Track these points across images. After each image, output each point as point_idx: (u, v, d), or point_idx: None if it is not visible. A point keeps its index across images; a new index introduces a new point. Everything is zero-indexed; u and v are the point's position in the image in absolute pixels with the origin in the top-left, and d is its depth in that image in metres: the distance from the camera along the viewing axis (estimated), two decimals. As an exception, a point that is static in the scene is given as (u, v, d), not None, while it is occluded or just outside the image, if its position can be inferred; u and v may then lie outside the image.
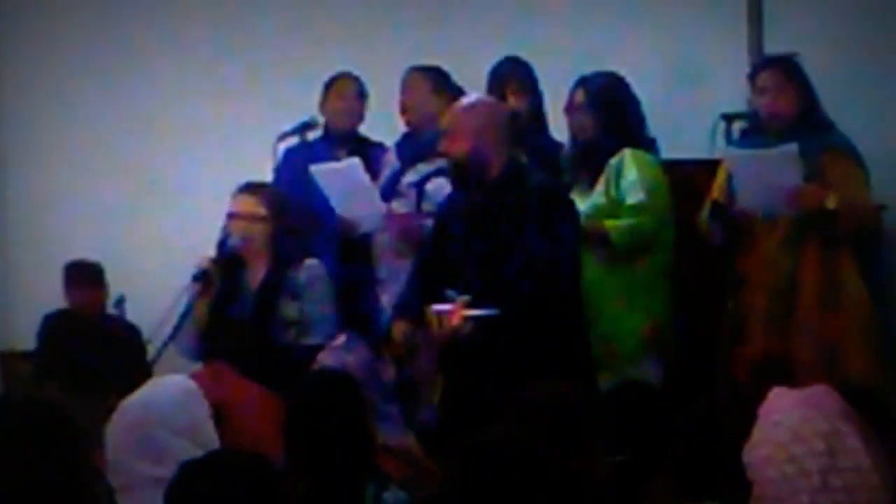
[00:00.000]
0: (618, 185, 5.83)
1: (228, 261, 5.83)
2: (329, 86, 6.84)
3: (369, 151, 6.59)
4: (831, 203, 5.47)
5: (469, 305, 5.13)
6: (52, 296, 7.47)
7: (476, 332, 5.11)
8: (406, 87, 6.49)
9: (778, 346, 5.59)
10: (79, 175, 8.12)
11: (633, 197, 5.78)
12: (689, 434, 3.62)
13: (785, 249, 5.64)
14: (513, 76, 6.35)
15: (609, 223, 5.77)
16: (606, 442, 3.90)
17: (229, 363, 5.48)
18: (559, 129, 6.28)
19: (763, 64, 6.04)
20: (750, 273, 5.70)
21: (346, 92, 6.82)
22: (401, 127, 6.59)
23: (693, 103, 6.60)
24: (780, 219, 5.64)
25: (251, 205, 5.84)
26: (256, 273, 5.84)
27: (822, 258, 5.61)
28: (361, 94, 6.86)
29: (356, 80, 6.87)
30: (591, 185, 5.90)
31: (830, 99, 5.86)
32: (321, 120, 6.82)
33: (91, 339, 7.33)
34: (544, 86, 6.44)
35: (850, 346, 5.59)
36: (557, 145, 6.29)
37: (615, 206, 5.82)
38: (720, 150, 5.87)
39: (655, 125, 6.08)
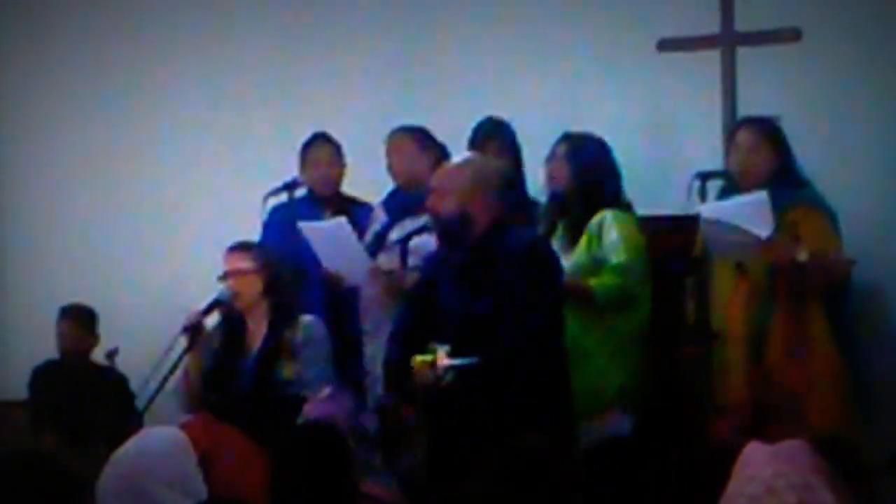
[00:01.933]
0: (600, 245, 5.94)
1: (229, 319, 5.94)
2: (305, 152, 6.91)
3: (354, 211, 6.69)
4: (802, 257, 5.55)
5: (450, 355, 5.22)
6: (46, 346, 7.53)
7: (458, 382, 5.20)
8: (392, 148, 6.62)
9: (749, 398, 5.67)
10: (72, 230, 8.20)
11: (616, 257, 5.90)
12: (664, 488, 3.71)
13: (755, 301, 5.72)
14: (494, 136, 6.47)
15: (593, 282, 5.89)
16: (585, 498, 3.95)
17: (221, 415, 5.60)
18: (541, 185, 6.38)
19: (740, 123, 6.16)
20: (720, 324, 5.77)
21: (321, 158, 6.89)
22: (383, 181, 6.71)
23: (670, 162, 6.72)
24: (751, 270, 5.73)
25: (240, 260, 5.99)
26: (255, 330, 5.96)
27: (792, 310, 5.68)
28: (338, 157, 6.92)
29: (331, 142, 6.93)
30: (571, 242, 6.02)
31: (803, 155, 5.97)
32: (304, 180, 6.90)
33: (81, 390, 7.36)
34: (526, 142, 6.56)
35: (820, 398, 5.65)
36: (535, 204, 6.42)
37: (598, 266, 5.93)
38: (695, 207, 5.98)
39: (633, 182, 6.20)
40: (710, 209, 5.73)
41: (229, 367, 5.88)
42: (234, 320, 5.96)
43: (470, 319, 5.34)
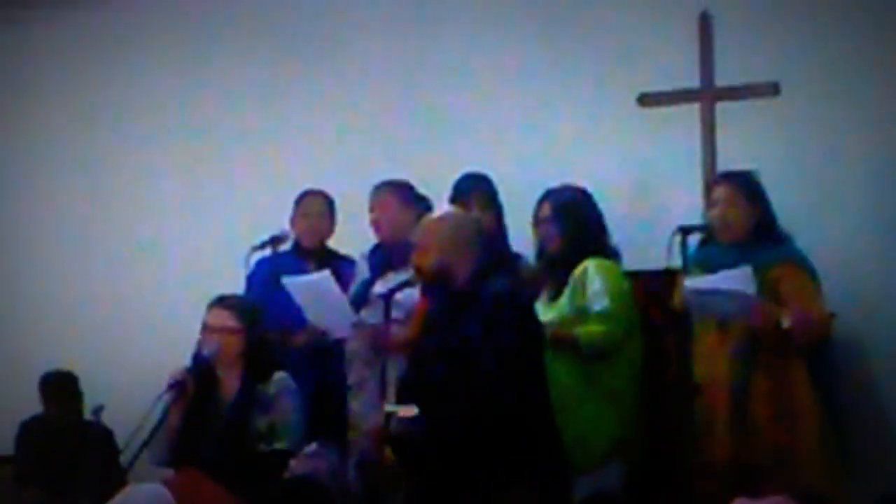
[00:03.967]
0: (583, 294, 5.97)
1: (202, 372, 5.95)
2: (297, 203, 6.97)
3: (337, 265, 6.72)
4: (786, 323, 5.59)
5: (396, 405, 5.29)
6: (31, 402, 7.57)
7: (404, 431, 5.23)
8: (375, 203, 6.66)
9: (733, 454, 5.67)
10: (57, 286, 8.24)
11: (599, 305, 5.92)
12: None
13: (738, 358, 5.75)
14: (475, 191, 6.50)
15: (577, 330, 5.91)
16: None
17: (202, 470, 5.61)
18: (525, 239, 6.44)
19: (718, 177, 6.20)
20: (705, 380, 5.78)
21: (312, 210, 6.95)
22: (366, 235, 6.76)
23: (650, 216, 6.77)
24: (733, 329, 5.76)
25: (225, 318, 5.97)
26: (229, 384, 5.96)
27: (774, 367, 5.71)
28: (328, 211, 6.98)
29: (324, 196, 6.99)
30: (557, 294, 6.06)
31: (782, 208, 6.01)
32: (291, 233, 6.95)
33: (67, 445, 7.34)
34: (508, 197, 6.60)
35: (803, 454, 5.67)
36: (517, 256, 6.46)
37: (582, 315, 5.96)
38: (676, 261, 6.03)
39: (613, 236, 6.22)
40: (696, 282, 5.75)
41: (202, 420, 5.89)
42: (207, 373, 5.97)
43: (441, 379, 5.36)
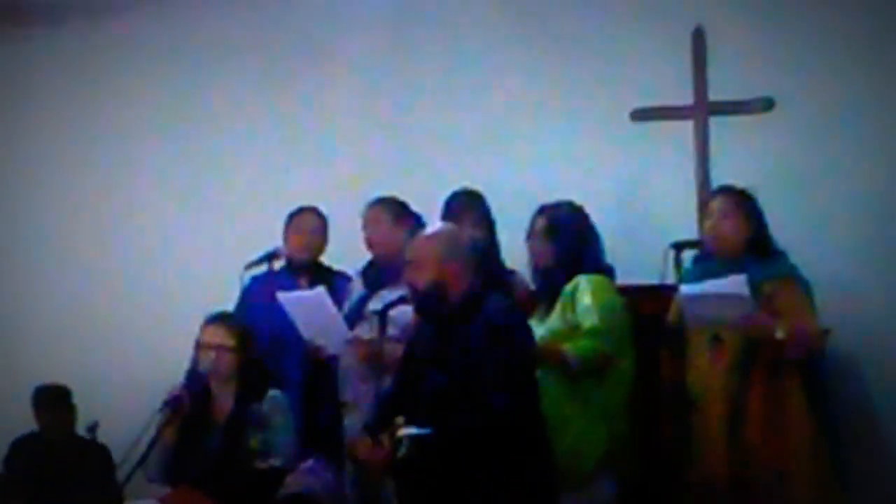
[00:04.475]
0: (573, 310, 5.95)
1: (197, 389, 5.97)
2: (290, 220, 7.01)
3: (331, 280, 6.75)
4: (780, 333, 5.58)
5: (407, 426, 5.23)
6: (25, 421, 7.56)
7: (412, 452, 5.19)
8: (368, 221, 6.68)
9: (728, 470, 5.67)
10: (52, 304, 8.27)
11: (589, 320, 5.89)
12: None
13: (733, 374, 5.74)
14: (468, 209, 6.52)
15: (566, 346, 5.88)
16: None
17: (197, 487, 5.61)
18: (518, 254, 6.41)
19: (714, 192, 6.19)
20: (700, 395, 5.80)
21: (304, 226, 7.00)
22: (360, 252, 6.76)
23: (644, 231, 6.80)
24: (729, 344, 5.77)
25: (221, 336, 6.01)
26: (223, 401, 5.98)
27: (769, 383, 5.70)
28: (321, 227, 7.02)
29: (316, 213, 7.03)
30: (549, 309, 6.05)
31: (777, 223, 6.00)
32: (285, 250, 6.97)
33: (62, 462, 7.38)
34: (501, 213, 6.62)
35: (798, 469, 5.66)
36: (510, 272, 6.48)
37: (572, 330, 5.94)
38: (670, 276, 6.03)
39: (607, 252, 6.19)
40: (690, 288, 5.76)
41: (197, 437, 5.89)
42: (201, 390, 5.98)
43: (443, 389, 5.34)
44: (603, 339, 5.89)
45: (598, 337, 5.89)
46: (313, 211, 7.04)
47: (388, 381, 5.98)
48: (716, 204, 5.97)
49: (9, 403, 7.86)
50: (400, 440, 5.19)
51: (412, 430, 5.19)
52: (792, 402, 5.71)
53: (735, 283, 5.61)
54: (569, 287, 6.00)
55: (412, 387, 5.46)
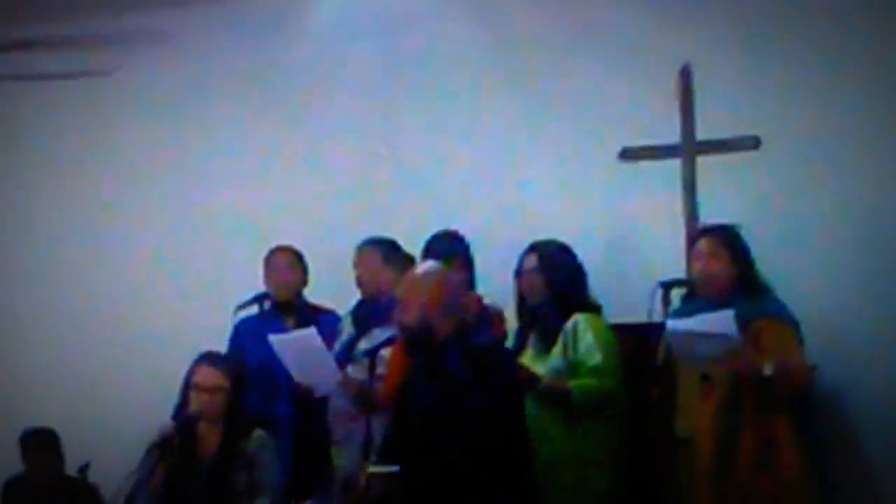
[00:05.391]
0: (575, 349, 6.00)
1: (186, 429, 5.97)
2: (265, 261, 7.05)
3: (319, 318, 6.76)
4: (768, 371, 5.58)
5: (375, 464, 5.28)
6: (15, 462, 7.56)
7: (384, 490, 5.20)
8: (358, 260, 6.70)
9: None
10: (43, 344, 8.28)
11: (592, 359, 5.96)
12: None
13: (722, 412, 5.74)
14: (451, 251, 6.51)
15: (572, 383, 5.93)
16: None
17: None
18: (503, 291, 6.46)
19: (701, 231, 6.20)
20: (689, 434, 5.79)
21: (279, 265, 7.04)
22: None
23: (632, 270, 6.81)
24: (718, 382, 5.77)
25: (216, 377, 6.01)
26: (209, 441, 5.98)
27: (758, 421, 5.69)
28: (295, 263, 7.05)
29: (290, 250, 7.06)
30: (546, 347, 6.09)
31: (764, 261, 6.01)
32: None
33: (52, 502, 7.38)
34: (489, 251, 6.66)
35: (788, 505, 5.68)
36: (485, 306, 6.43)
37: (574, 369, 5.99)
38: (658, 315, 6.04)
39: (595, 291, 6.27)
40: (677, 323, 5.78)
41: (185, 477, 5.90)
42: (190, 430, 5.99)
43: (433, 424, 5.37)
44: (607, 377, 5.97)
45: (603, 376, 5.96)
46: (286, 249, 7.07)
47: (378, 421, 6.02)
48: (702, 245, 5.98)
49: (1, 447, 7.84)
50: (369, 478, 5.23)
51: (379, 468, 5.23)
52: (781, 439, 5.70)
53: (722, 319, 5.62)
54: (568, 325, 6.06)
55: (409, 427, 5.48)
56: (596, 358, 5.96)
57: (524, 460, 5.41)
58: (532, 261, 6.22)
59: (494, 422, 5.27)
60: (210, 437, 5.99)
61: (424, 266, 5.88)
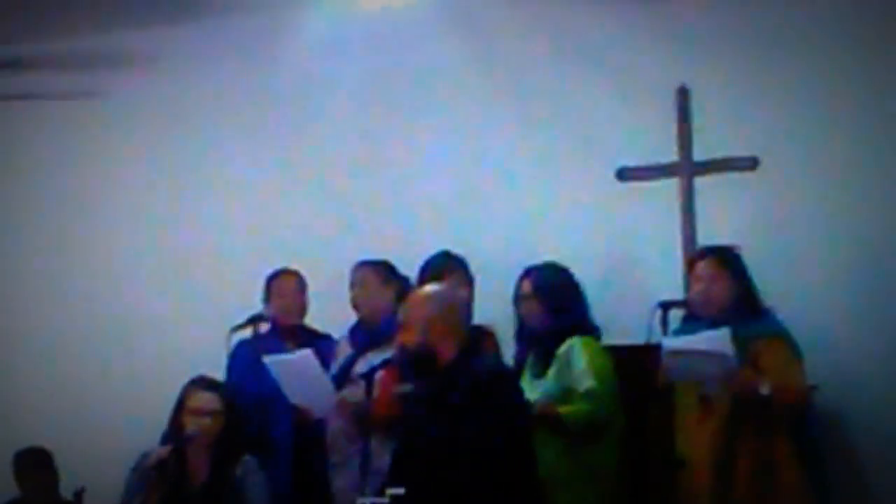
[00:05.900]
0: (569, 373, 5.97)
1: (178, 452, 5.95)
2: (269, 283, 7.02)
3: (317, 343, 6.72)
4: (765, 390, 5.59)
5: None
6: (8, 486, 7.51)
7: None
8: (356, 282, 6.68)
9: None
10: (37, 367, 8.25)
11: (585, 384, 5.91)
12: None
13: (721, 434, 5.74)
14: (451, 270, 6.50)
15: (564, 409, 5.90)
16: None
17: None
18: (502, 314, 6.43)
19: (699, 252, 6.20)
20: (688, 455, 5.78)
21: (285, 289, 7.00)
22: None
23: (630, 291, 6.78)
24: (717, 404, 5.76)
25: (212, 401, 6.02)
26: (198, 465, 5.98)
27: (757, 442, 5.69)
28: (301, 289, 7.02)
29: (295, 275, 7.04)
30: (542, 371, 6.06)
31: (762, 282, 6.01)
32: (268, 313, 6.96)
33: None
34: (487, 272, 6.62)
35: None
36: (477, 327, 6.36)
37: (568, 393, 5.95)
38: (657, 336, 6.03)
39: (594, 312, 6.22)
40: (674, 342, 5.77)
41: (177, 501, 5.88)
42: (182, 454, 5.97)
43: (438, 449, 5.33)
44: (599, 403, 5.92)
45: (595, 401, 5.91)
46: (293, 274, 7.05)
47: (375, 443, 5.99)
48: (701, 266, 5.98)
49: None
50: None
51: (367, 501, 5.21)
52: (781, 460, 5.70)
53: (718, 338, 5.62)
54: (563, 349, 6.02)
55: (413, 450, 5.44)
56: (589, 383, 5.91)
57: (531, 483, 5.37)
58: (527, 286, 6.20)
59: (505, 445, 5.25)
60: (199, 460, 5.97)
61: (430, 287, 5.85)
